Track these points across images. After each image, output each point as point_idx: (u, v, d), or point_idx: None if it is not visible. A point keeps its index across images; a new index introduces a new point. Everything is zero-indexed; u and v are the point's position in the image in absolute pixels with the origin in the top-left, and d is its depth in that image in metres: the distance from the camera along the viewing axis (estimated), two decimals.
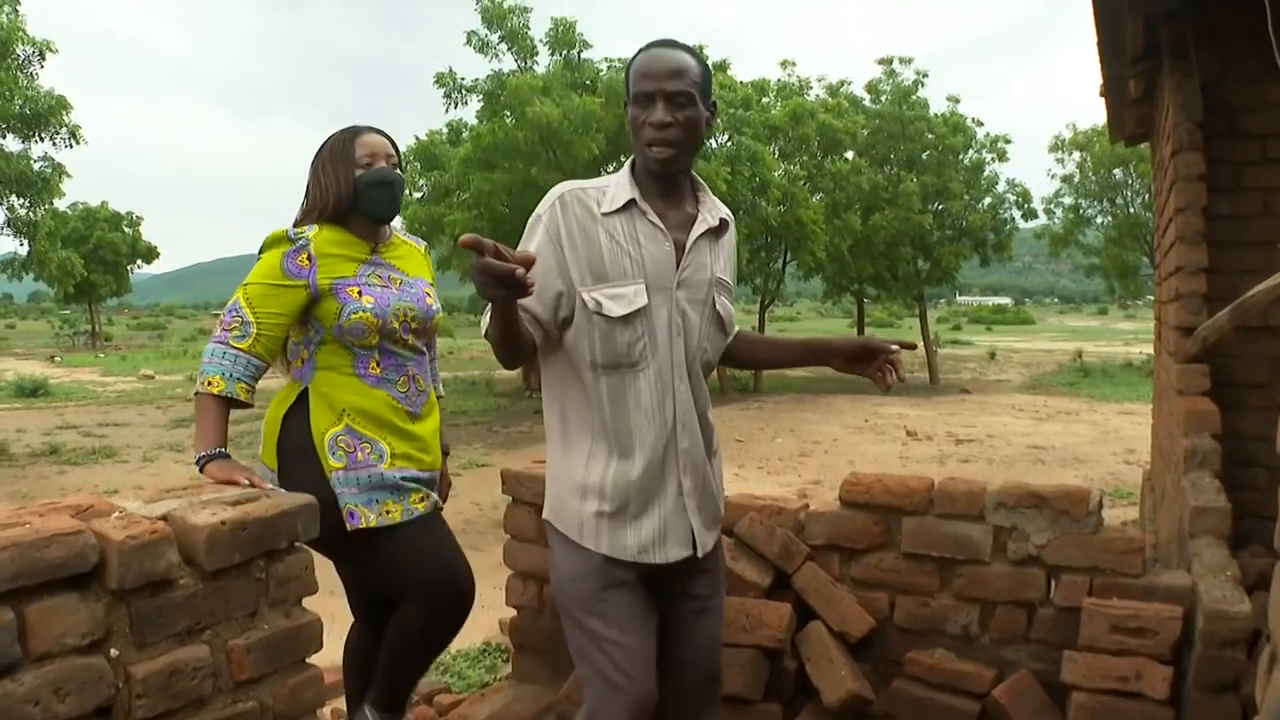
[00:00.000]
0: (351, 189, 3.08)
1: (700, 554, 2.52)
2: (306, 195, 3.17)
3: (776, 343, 2.93)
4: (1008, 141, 28.69)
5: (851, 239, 25.46)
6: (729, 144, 22.07)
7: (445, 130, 21.79)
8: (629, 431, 2.43)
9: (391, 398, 3.10)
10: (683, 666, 2.59)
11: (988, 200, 28.91)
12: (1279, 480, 4.33)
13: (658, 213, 2.44)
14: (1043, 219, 33.22)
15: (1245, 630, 3.00)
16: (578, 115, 17.71)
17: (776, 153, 23.95)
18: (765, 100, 25.00)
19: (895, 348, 2.67)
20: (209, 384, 2.90)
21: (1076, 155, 32.24)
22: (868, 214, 26.20)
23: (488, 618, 6.15)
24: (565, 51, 20.15)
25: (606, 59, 21.55)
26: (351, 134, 3.16)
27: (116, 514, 2.35)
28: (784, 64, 27.53)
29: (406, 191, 20.56)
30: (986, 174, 28.82)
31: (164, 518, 2.37)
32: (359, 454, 3.02)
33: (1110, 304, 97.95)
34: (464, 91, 19.24)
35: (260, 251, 3.07)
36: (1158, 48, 4.70)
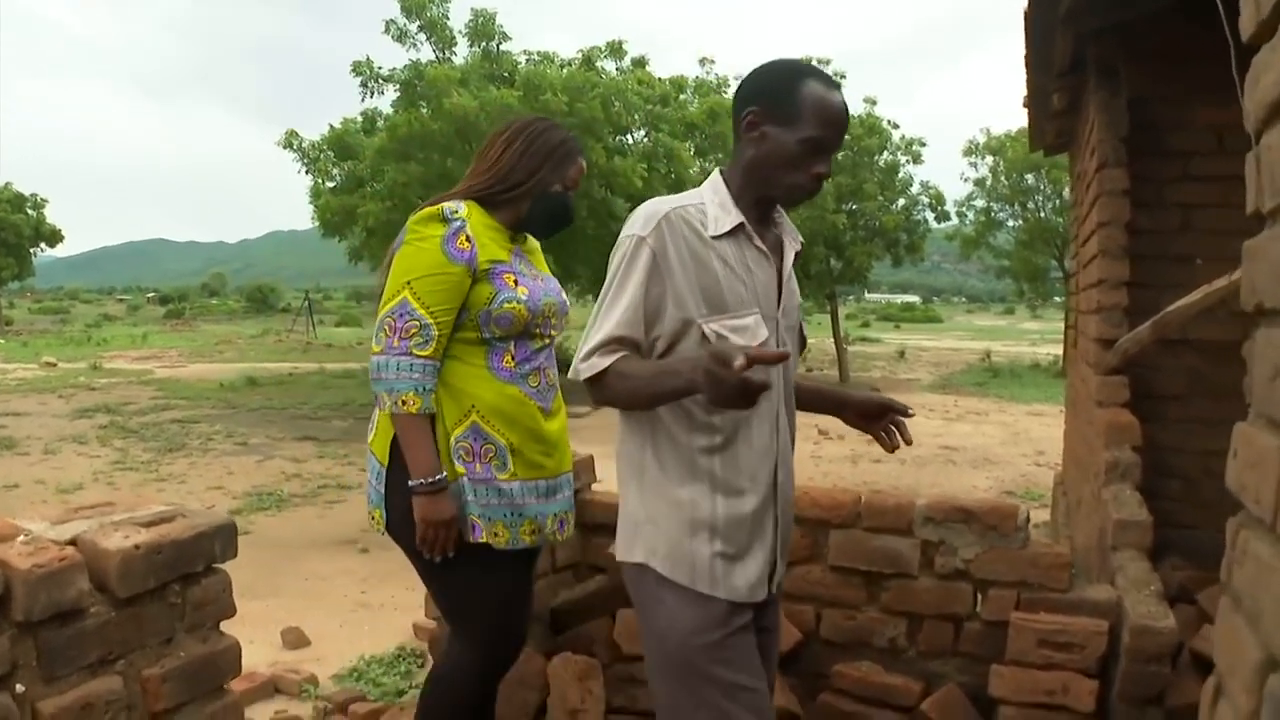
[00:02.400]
0: (541, 192, 2.90)
1: (775, 588, 2.45)
2: (490, 161, 2.91)
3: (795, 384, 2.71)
4: (922, 144, 28.99)
5: None
6: (645, 140, 22.04)
7: (360, 119, 21.49)
8: (741, 469, 2.30)
9: (523, 394, 2.84)
10: None
11: (901, 201, 29.19)
12: (1195, 490, 4.45)
13: (759, 236, 2.34)
14: (955, 221, 33.68)
15: (1170, 645, 3.05)
16: (495, 108, 17.52)
17: (693, 150, 23.92)
18: (683, 97, 24.98)
19: (909, 410, 2.66)
20: (403, 403, 2.67)
21: (989, 159, 32.75)
22: None
23: (401, 621, 6.09)
24: (484, 43, 19.94)
25: (526, 52, 21.40)
26: (576, 147, 2.98)
27: (21, 539, 2.23)
28: (702, 61, 27.51)
29: (320, 181, 20.44)
30: (901, 176, 29.07)
31: (73, 541, 2.26)
32: (479, 461, 2.78)
33: (1017, 304, 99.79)
34: (381, 81, 19.00)
35: (408, 234, 2.79)
36: (1083, 62, 4.76)
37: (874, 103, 28.85)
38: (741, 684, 2.24)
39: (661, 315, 2.22)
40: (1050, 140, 7.13)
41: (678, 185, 21.46)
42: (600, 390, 2.21)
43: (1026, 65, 5.49)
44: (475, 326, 2.78)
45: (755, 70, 2.37)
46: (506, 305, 2.76)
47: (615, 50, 22.10)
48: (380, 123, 20.42)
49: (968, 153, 33.18)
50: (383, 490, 2.84)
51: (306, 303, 51.01)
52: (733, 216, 2.28)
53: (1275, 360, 1.26)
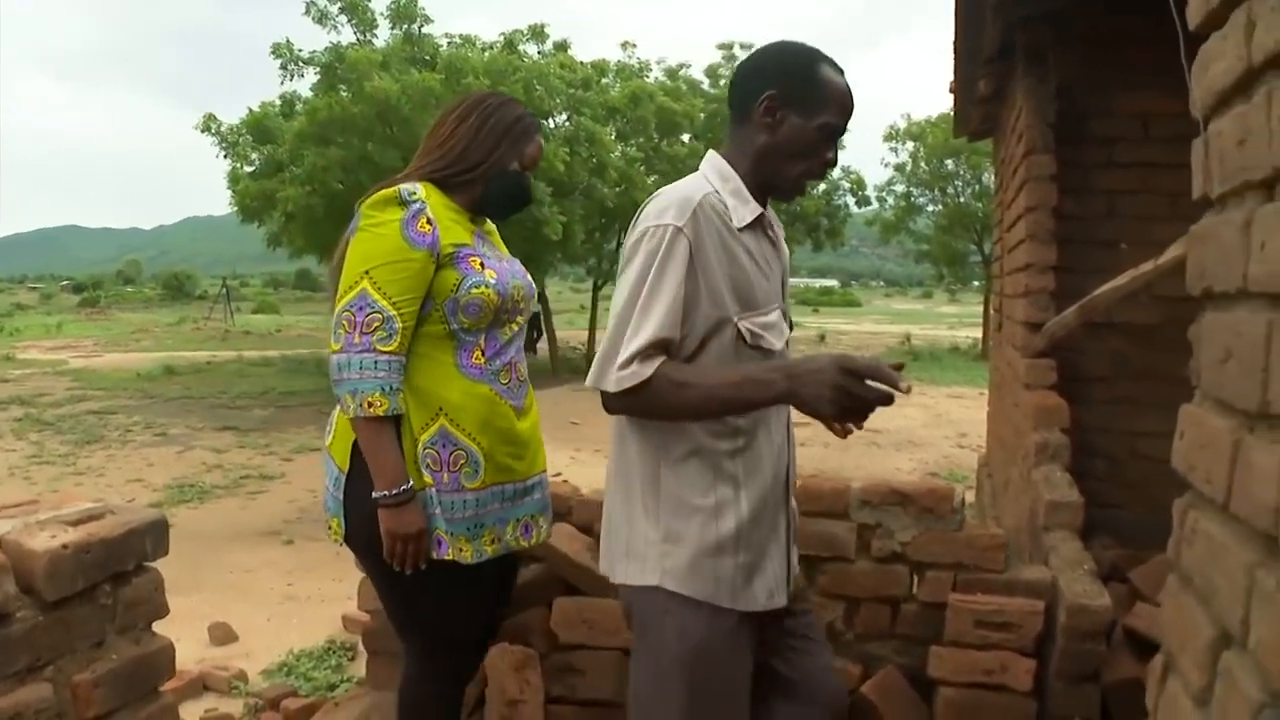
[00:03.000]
0: (498, 172, 2.69)
1: (791, 587, 2.34)
2: (442, 139, 2.70)
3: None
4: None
5: None
6: (567, 124, 22.00)
7: (279, 103, 21.19)
8: (760, 470, 2.21)
9: (494, 392, 2.61)
10: (813, 704, 2.40)
11: (822, 187, 29.39)
12: (1121, 471, 4.53)
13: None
14: (875, 206, 34.01)
15: (1105, 623, 3.10)
16: (417, 91, 17.40)
17: (614, 134, 23.92)
18: (605, 81, 24.97)
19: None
20: (369, 405, 2.43)
21: (910, 145, 33.11)
22: None
23: (330, 613, 6.04)
24: (406, 26, 19.76)
25: (447, 35, 21.28)
26: (533, 124, 2.80)
27: None
28: (624, 45, 27.56)
29: (238, 165, 20.13)
30: None
31: None
32: (447, 470, 2.55)
33: (935, 288, 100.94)
34: (301, 63, 18.76)
35: (361, 220, 2.54)
36: (1011, 49, 4.81)
37: None
38: (731, 707, 2.19)
39: (693, 313, 2.07)
40: (975, 126, 7.21)
41: (600, 169, 21.48)
42: (639, 399, 2.05)
43: (955, 51, 5.54)
44: (441, 318, 2.55)
45: (766, 52, 2.26)
46: (475, 291, 2.53)
47: (537, 34, 22.05)
48: (300, 106, 20.16)
49: (888, 138, 33.51)
50: (341, 498, 2.61)
51: (224, 290, 50.29)
52: (751, 207, 2.19)
53: (1225, 343, 1.28)
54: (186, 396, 18.31)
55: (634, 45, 27.35)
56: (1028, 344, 4.58)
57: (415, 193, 2.53)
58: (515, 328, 2.73)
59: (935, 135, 30.50)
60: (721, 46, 29.12)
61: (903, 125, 33.37)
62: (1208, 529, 1.32)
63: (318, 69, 18.81)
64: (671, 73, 28.77)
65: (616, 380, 2.01)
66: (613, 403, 2.10)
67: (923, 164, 32.94)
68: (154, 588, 2.47)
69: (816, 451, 12.82)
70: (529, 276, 2.86)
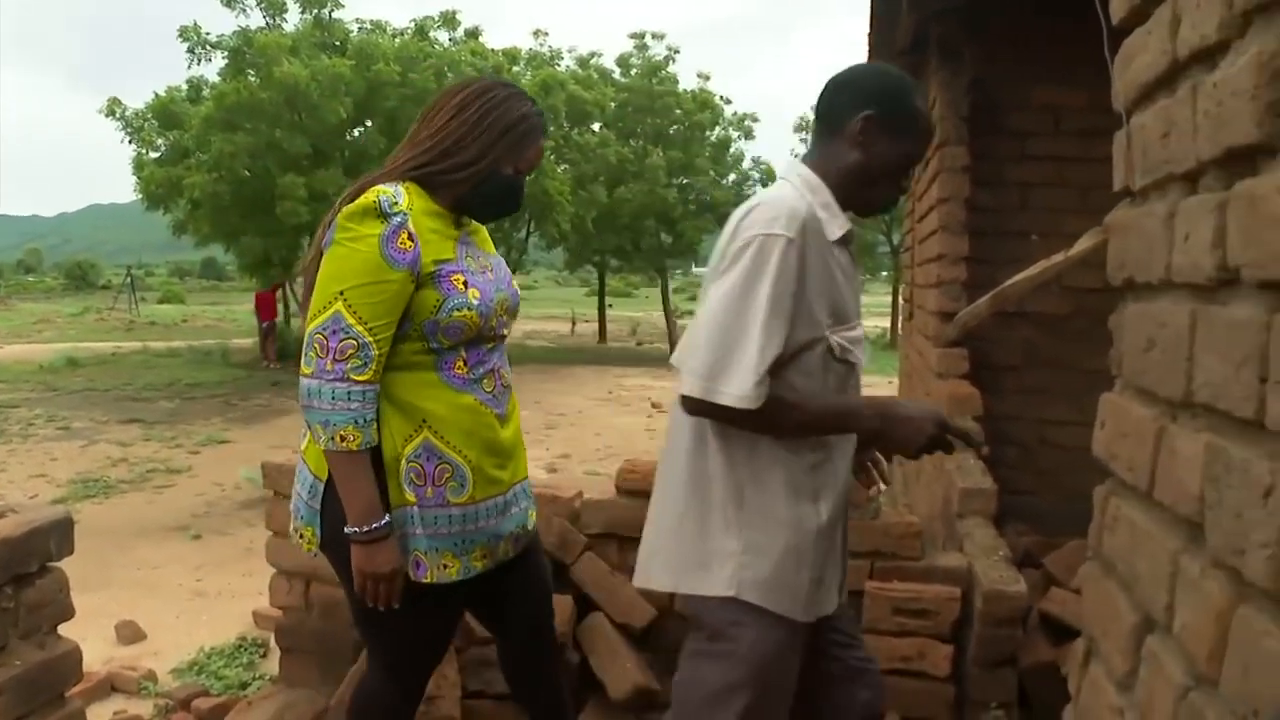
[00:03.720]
0: (489, 174, 2.45)
1: (844, 593, 2.38)
2: (435, 129, 2.45)
3: None
4: (755, 120, 29.40)
5: (596, 211, 25.57)
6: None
7: (186, 87, 20.80)
8: (835, 484, 2.22)
9: (479, 401, 2.44)
10: (866, 689, 2.43)
11: (733, 177, 29.57)
12: (1032, 458, 4.61)
13: None
14: None
15: (1021, 608, 3.15)
16: (326, 77, 17.19)
17: None
18: (516, 69, 24.85)
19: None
20: (342, 439, 2.26)
21: None
22: (613, 186, 26.38)
23: (240, 609, 5.93)
24: (316, 10, 19.53)
25: (358, 20, 21.02)
26: (538, 124, 2.55)
27: None
28: (536, 33, 27.49)
29: (143, 151, 19.74)
30: (733, 151, 29.47)
31: None
32: (432, 485, 2.38)
33: None
34: (208, 47, 18.45)
35: (337, 231, 2.31)
36: (925, 42, 4.86)
37: (707, 78, 29.18)
38: (783, 707, 2.23)
39: (794, 326, 2.04)
40: None
41: None
42: (751, 419, 2.03)
43: (868, 44, 5.59)
44: (420, 337, 2.36)
45: (865, 72, 2.29)
46: (456, 314, 2.35)
47: (449, 20, 21.87)
48: (207, 91, 19.82)
49: (799, 129, 33.78)
50: (317, 506, 2.43)
51: (129, 279, 49.19)
52: (840, 221, 2.18)
53: (1148, 333, 1.30)
54: (90, 389, 17.88)
55: (546, 33, 27.35)
56: (940, 334, 4.64)
57: (397, 203, 2.31)
58: (500, 338, 2.60)
59: None
60: (633, 36, 29.10)
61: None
62: (1130, 516, 1.34)
63: (226, 53, 18.52)
64: (583, 61, 28.72)
65: (738, 398, 1.97)
66: (714, 413, 2.06)
67: None
68: (59, 589, 2.40)
69: None
70: (514, 284, 2.68)
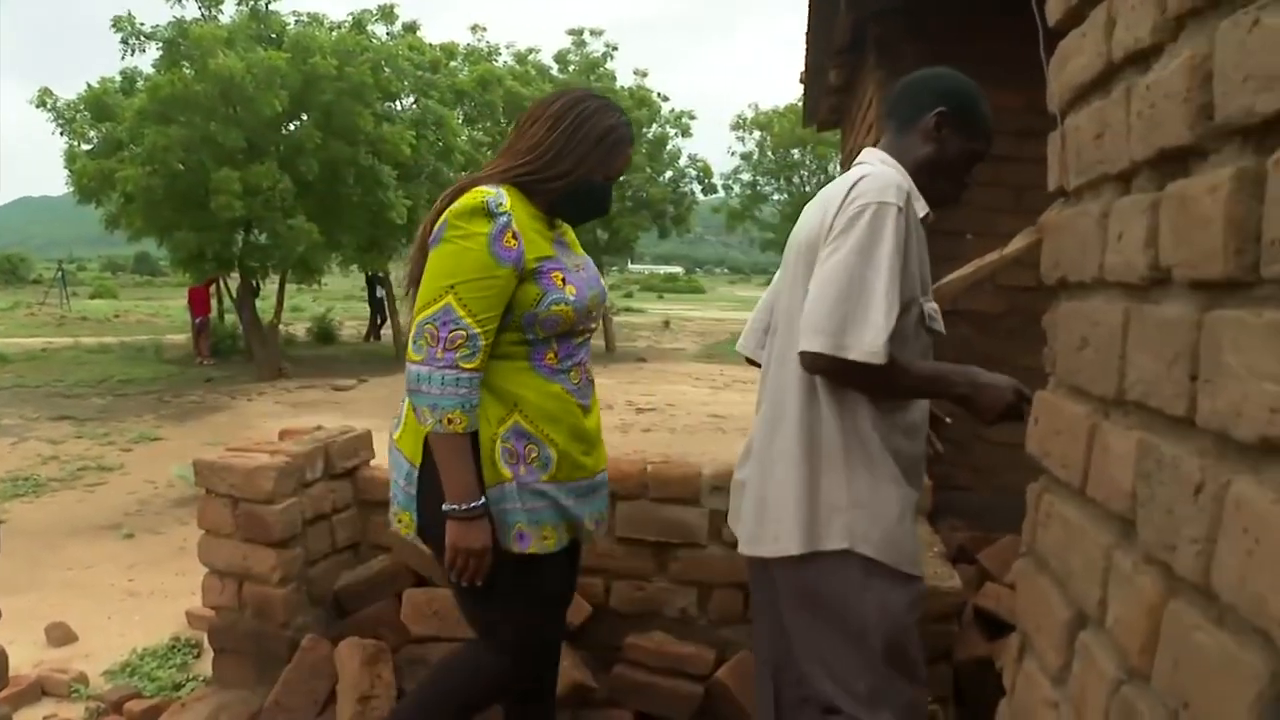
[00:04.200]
0: (582, 181, 2.60)
1: None
2: (534, 143, 2.59)
3: None
4: (692, 117, 29.37)
5: None
6: (415, 107, 21.72)
7: (119, 79, 20.44)
8: (919, 444, 2.39)
9: (565, 390, 2.61)
10: None
11: (669, 174, 29.54)
12: (966, 454, 4.65)
13: None
14: (721, 194, 34.37)
15: (955, 603, 3.18)
16: (262, 70, 16.94)
17: (462, 118, 23.69)
18: (453, 64, 24.71)
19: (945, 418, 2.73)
20: (449, 422, 2.42)
21: (757, 134, 33.58)
22: None
23: (173, 609, 5.83)
24: (252, 2, 19.22)
25: (295, 13, 20.82)
26: (627, 134, 2.70)
27: None
28: (474, 28, 27.34)
29: (75, 143, 19.38)
30: (669, 148, 29.42)
31: None
32: (524, 463, 2.55)
33: None
34: (142, 38, 18.10)
35: (447, 229, 2.46)
36: (863, 41, 4.89)
37: (644, 74, 29.12)
38: (921, 667, 2.33)
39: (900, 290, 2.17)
40: (824, 116, 7.32)
41: (446, 153, 21.26)
42: (866, 374, 2.11)
43: (806, 42, 5.62)
44: (518, 328, 2.53)
45: (941, 73, 2.43)
46: (555, 308, 2.51)
47: (386, 14, 21.64)
48: (141, 83, 19.48)
49: (736, 127, 33.94)
50: (414, 492, 2.60)
51: (60, 274, 48.34)
52: (922, 202, 2.32)
53: (1081, 331, 1.32)
54: (20, 385, 17.51)
55: (484, 29, 27.18)
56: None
57: (502, 204, 2.47)
58: (589, 334, 2.73)
59: (782, 125, 30.97)
60: (571, 32, 28.96)
61: (750, 115, 33.87)
62: (1063, 512, 1.35)
63: (160, 44, 18.17)
64: (521, 57, 28.57)
65: (868, 354, 2.05)
66: (838, 369, 2.14)
67: (769, 153, 33.46)
68: None
69: (663, 438, 12.88)
70: (602, 281, 2.82)
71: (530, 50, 29.13)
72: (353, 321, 30.59)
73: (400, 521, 2.66)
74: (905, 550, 2.25)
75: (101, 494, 9.44)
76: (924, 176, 2.34)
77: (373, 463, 4.01)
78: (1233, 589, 0.87)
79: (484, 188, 2.49)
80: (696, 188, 30.63)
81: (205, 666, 4.60)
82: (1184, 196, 0.99)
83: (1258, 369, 0.83)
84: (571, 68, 28.47)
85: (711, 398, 17.38)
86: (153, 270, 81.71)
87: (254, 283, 20.01)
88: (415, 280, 2.58)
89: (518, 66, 27.66)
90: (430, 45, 23.59)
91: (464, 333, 2.41)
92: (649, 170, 28.38)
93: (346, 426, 4.08)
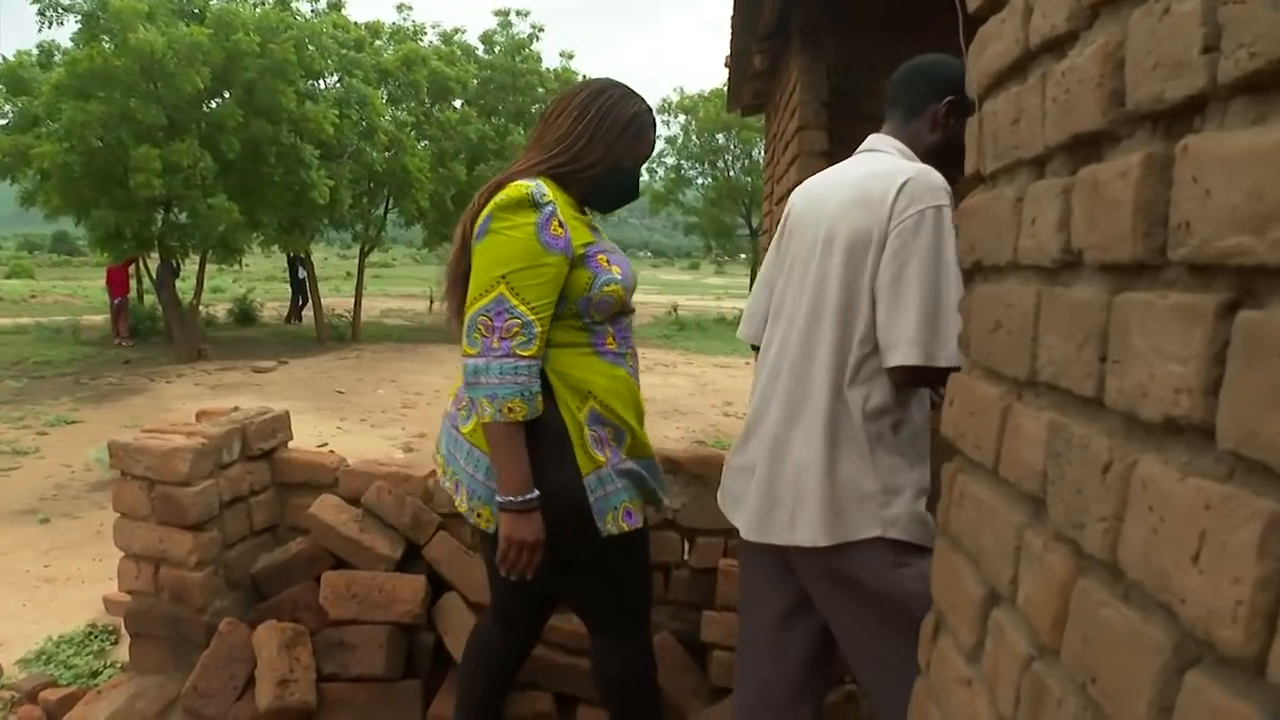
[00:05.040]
0: (612, 168, 2.65)
1: None
2: (562, 134, 2.63)
3: None
4: None
5: (456, 189, 25.28)
6: (338, 86, 21.49)
7: (36, 52, 19.97)
8: (927, 423, 2.39)
9: (628, 374, 2.68)
10: None
11: None
12: None
13: None
14: (645, 177, 34.37)
15: None
16: (184, 46, 16.66)
17: (386, 98, 23.47)
18: (378, 43, 24.47)
19: None
20: (510, 410, 2.41)
21: (682, 118, 33.67)
22: (473, 164, 26.10)
23: (90, 595, 5.75)
24: None
25: None
26: (651, 120, 2.75)
27: None
28: (400, 7, 27.05)
29: None
30: None
31: None
32: (609, 446, 2.59)
33: (703, 260, 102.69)
34: (61, 10, 17.70)
35: (493, 222, 2.47)
36: (787, 26, 4.92)
37: (570, 57, 29.05)
38: None
39: None
40: (747, 101, 7.34)
41: (369, 133, 21.06)
42: (946, 376, 2.05)
43: (731, 27, 5.63)
44: (575, 314, 2.56)
45: (946, 62, 2.42)
46: (606, 289, 2.55)
47: None
48: (59, 57, 19.06)
49: (661, 111, 33.96)
50: (494, 486, 2.56)
51: None
52: None
53: (995, 314, 1.34)
54: None
55: (409, 8, 26.89)
56: None
57: (546, 194, 2.49)
58: (632, 313, 2.78)
59: (707, 109, 31.06)
60: (498, 13, 28.78)
61: (675, 99, 33.94)
62: (977, 493, 1.37)
63: (79, 17, 17.78)
64: (446, 37, 28.35)
65: (954, 359, 2.01)
66: (929, 378, 2.20)
67: (694, 137, 33.54)
68: None
69: None
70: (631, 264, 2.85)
71: (456, 30, 28.92)
72: (274, 303, 30.22)
73: (479, 516, 2.64)
74: (930, 526, 2.26)
75: (16, 479, 9.25)
76: (932, 163, 2.34)
77: (291, 444, 3.97)
78: (1138, 566, 0.89)
79: (523, 181, 2.51)
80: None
81: (123, 653, 4.55)
82: (1096, 181, 1.01)
83: (1163, 350, 0.85)
84: (497, 49, 28.28)
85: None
86: (70, 250, 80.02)
87: (174, 263, 19.68)
88: (456, 280, 2.63)
89: (443, 46, 27.43)
90: (355, 23, 23.38)
91: (519, 320, 2.42)
92: None
93: (264, 407, 4.03)
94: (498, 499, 2.48)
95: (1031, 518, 1.16)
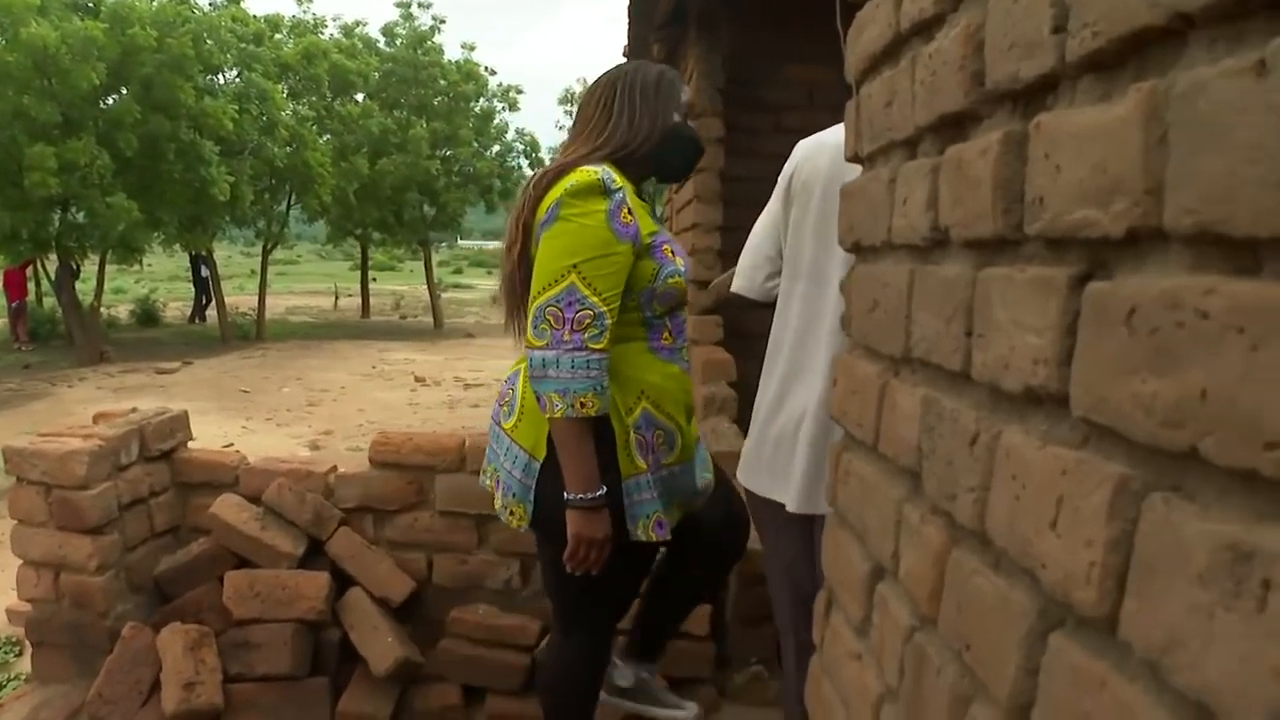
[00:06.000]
0: (660, 134, 2.57)
1: None
2: (596, 122, 2.58)
3: None
4: (519, 92, 29.26)
5: (358, 183, 25.03)
6: (238, 81, 21.15)
7: None
8: None
9: (682, 371, 2.62)
10: None
11: (496, 148, 29.37)
12: None
13: None
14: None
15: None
16: (78, 41, 16.25)
17: (286, 92, 23.16)
18: (278, 37, 24.14)
19: None
20: (581, 405, 2.32)
21: None
22: (376, 158, 25.86)
23: None
24: None
25: None
26: (676, 74, 2.66)
27: None
28: (300, 0, 26.73)
29: None
30: (496, 122, 29.25)
31: None
32: (652, 451, 2.51)
33: None
34: None
35: (563, 208, 2.38)
36: (684, 15, 4.93)
37: (472, 48, 28.87)
38: None
39: None
40: None
41: (270, 128, 20.77)
42: None
43: (629, 16, 5.63)
44: (637, 306, 2.49)
45: None
46: (670, 281, 2.50)
47: None
48: None
49: (564, 101, 33.91)
50: (531, 484, 2.51)
51: None
52: None
53: (872, 294, 1.36)
54: None
55: (309, 1, 26.57)
56: (695, 301, 4.72)
57: (615, 180, 2.41)
58: (687, 308, 2.71)
59: None
60: (399, 5, 28.49)
61: (578, 89, 33.88)
62: (860, 470, 1.40)
63: None
64: (347, 30, 28.02)
65: None
66: None
67: None
68: None
69: (489, 412, 12.81)
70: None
71: (357, 23, 28.61)
72: (177, 303, 29.69)
73: (512, 514, 2.58)
74: None
75: None
76: None
77: (194, 444, 3.93)
78: (1004, 534, 0.91)
79: (591, 167, 2.43)
80: (524, 162, 30.55)
81: (27, 665, 4.44)
82: (960, 160, 1.03)
83: (1022, 322, 0.88)
84: (399, 41, 28.04)
85: None
86: None
87: (73, 264, 19.26)
88: (516, 279, 2.56)
89: (344, 39, 27.14)
90: (254, 17, 23.01)
91: (591, 312, 2.33)
92: (476, 145, 28.17)
93: (162, 407, 3.97)
94: (567, 495, 2.40)
95: (910, 492, 1.19)
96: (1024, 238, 0.90)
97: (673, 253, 2.55)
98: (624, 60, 2.71)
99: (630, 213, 2.42)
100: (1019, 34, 0.90)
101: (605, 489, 2.41)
